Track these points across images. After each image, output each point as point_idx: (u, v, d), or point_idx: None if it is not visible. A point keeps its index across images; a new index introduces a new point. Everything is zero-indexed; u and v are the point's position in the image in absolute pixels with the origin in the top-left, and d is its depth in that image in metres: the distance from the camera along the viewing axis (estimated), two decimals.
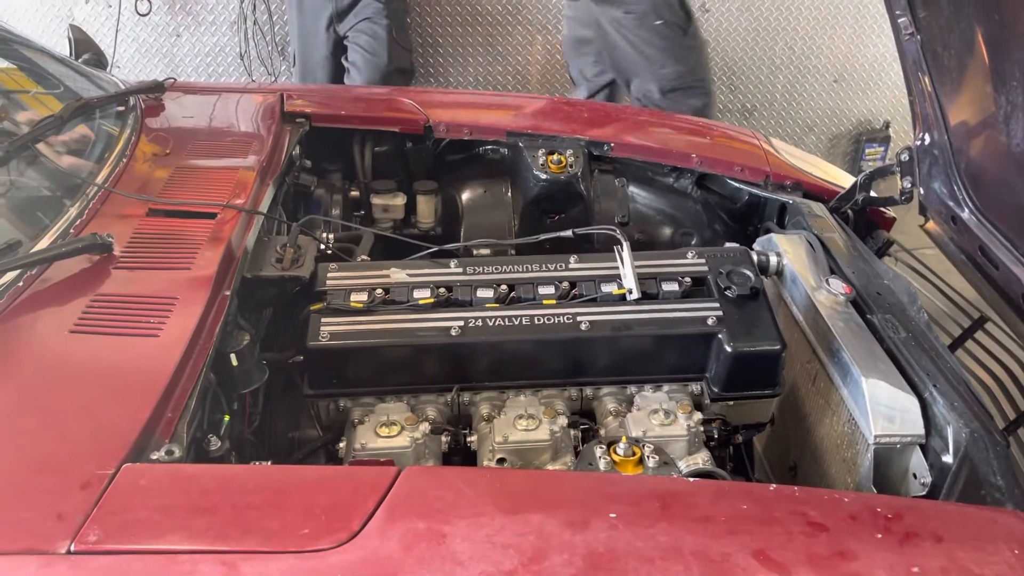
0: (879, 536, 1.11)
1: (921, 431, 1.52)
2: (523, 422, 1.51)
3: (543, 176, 2.24)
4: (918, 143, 2.17)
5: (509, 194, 2.36)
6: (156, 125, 2.03)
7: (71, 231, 1.51)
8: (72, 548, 0.98)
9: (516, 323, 1.58)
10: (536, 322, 1.58)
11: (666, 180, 2.40)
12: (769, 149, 2.43)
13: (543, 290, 1.64)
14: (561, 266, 1.70)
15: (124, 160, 1.79)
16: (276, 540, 1.02)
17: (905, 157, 2.20)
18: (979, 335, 2.08)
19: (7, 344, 1.27)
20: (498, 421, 1.53)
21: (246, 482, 1.12)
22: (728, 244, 1.87)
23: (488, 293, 1.63)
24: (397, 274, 1.67)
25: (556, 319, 1.59)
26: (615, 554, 1.03)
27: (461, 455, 1.56)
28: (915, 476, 1.54)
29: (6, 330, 1.29)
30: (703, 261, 1.71)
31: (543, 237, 1.82)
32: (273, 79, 4.19)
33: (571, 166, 2.24)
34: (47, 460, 1.10)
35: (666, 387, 1.65)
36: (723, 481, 1.39)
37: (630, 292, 1.62)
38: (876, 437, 1.52)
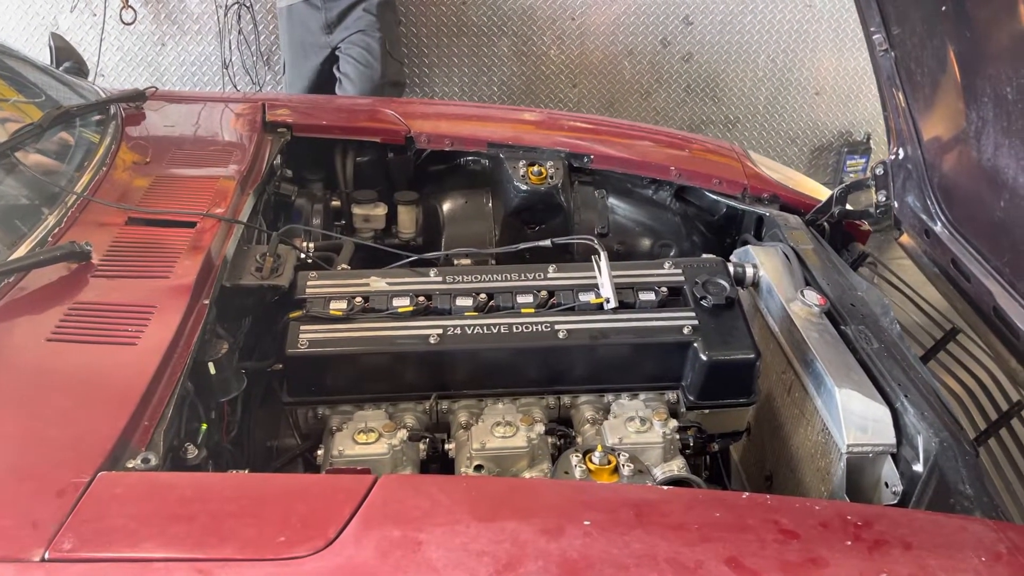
0: (849, 543, 1.13)
1: (892, 440, 1.54)
2: (501, 429, 1.52)
3: (523, 187, 2.25)
4: (892, 157, 2.21)
5: (490, 205, 2.37)
6: (137, 134, 2.04)
7: (49, 239, 1.51)
8: (47, 556, 0.98)
9: (495, 331, 1.59)
10: (514, 330, 1.60)
11: (645, 192, 2.43)
12: (747, 162, 2.46)
13: (522, 299, 1.66)
14: (540, 275, 1.71)
15: (104, 168, 1.79)
16: (252, 548, 1.02)
17: (880, 171, 2.24)
18: (951, 346, 2.11)
19: None
20: (476, 428, 1.53)
21: (223, 490, 1.13)
22: (705, 255, 1.89)
23: (467, 302, 1.64)
24: (376, 282, 1.68)
25: (534, 327, 1.60)
26: (589, 561, 1.04)
27: (439, 462, 1.57)
28: (887, 485, 1.57)
29: None
30: (679, 271, 1.73)
31: (523, 247, 1.83)
32: (258, 88, 4.19)
33: (551, 178, 2.26)
34: (22, 468, 1.10)
35: (643, 395, 1.67)
36: (697, 489, 1.41)
37: (607, 301, 1.64)
38: (849, 446, 1.54)
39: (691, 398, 1.63)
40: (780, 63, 4.37)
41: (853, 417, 1.56)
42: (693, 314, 1.63)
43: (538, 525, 1.09)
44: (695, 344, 1.59)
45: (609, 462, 1.36)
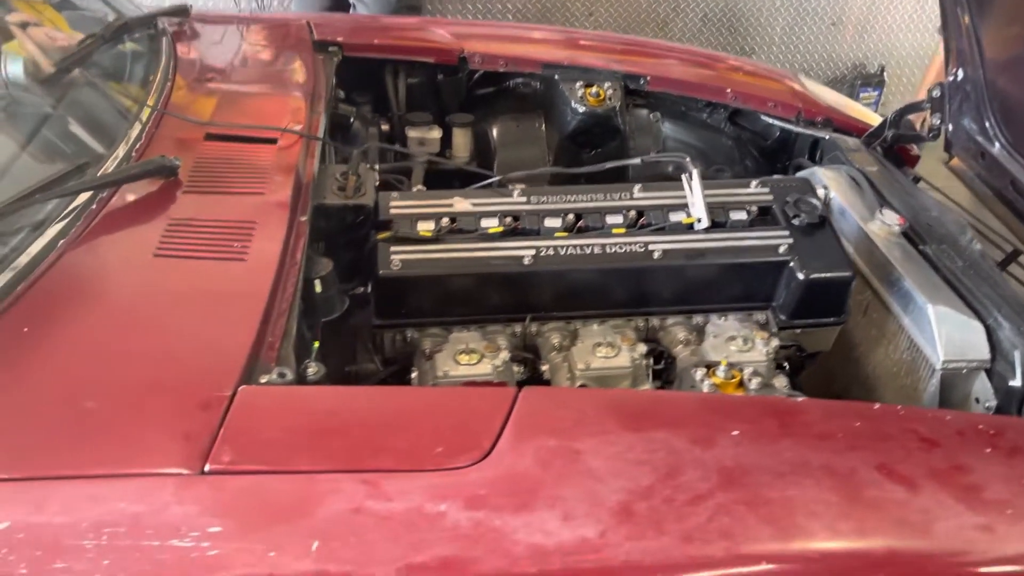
0: (988, 451, 1.14)
1: (987, 356, 1.55)
2: (603, 350, 1.50)
3: (581, 109, 2.20)
4: (950, 79, 2.18)
5: (543, 128, 2.32)
6: (188, 51, 1.95)
7: (133, 155, 1.45)
8: (207, 469, 0.95)
9: (588, 252, 1.57)
10: (608, 251, 1.57)
11: (699, 116, 2.39)
12: (798, 86, 2.43)
13: (611, 219, 1.62)
14: (626, 195, 1.68)
15: (168, 84, 1.71)
16: (411, 460, 1.00)
17: (936, 93, 2.21)
18: (1013, 268, 2.12)
19: (94, 267, 1.22)
20: (576, 349, 1.52)
21: (366, 404, 1.10)
22: (789, 175, 1.87)
23: (556, 222, 1.61)
24: (461, 203, 1.64)
25: (628, 248, 1.57)
26: (746, 469, 1.04)
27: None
28: (977, 400, 1.58)
29: (89, 252, 1.24)
30: (767, 190, 1.71)
31: (609, 165, 1.80)
32: (264, 11, 4.04)
33: (609, 99, 2.21)
34: (159, 383, 1.07)
35: (731, 316, 1.66)
36: (831, 400, 1.39)
37: (699, 221, 1.61)
38: (944, 363, 1.55)
39: (782, 318, 1.62)
40: None
41: (947, 333, 1.57)
42: (787, 233, 1.61)
43: (688, 435, 1.08)
44: (791, 263, 1.58)
45: (733, 376, 1.35)
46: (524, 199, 1.66)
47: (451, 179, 2.22)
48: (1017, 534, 1.03)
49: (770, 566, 0.96)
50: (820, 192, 1.88)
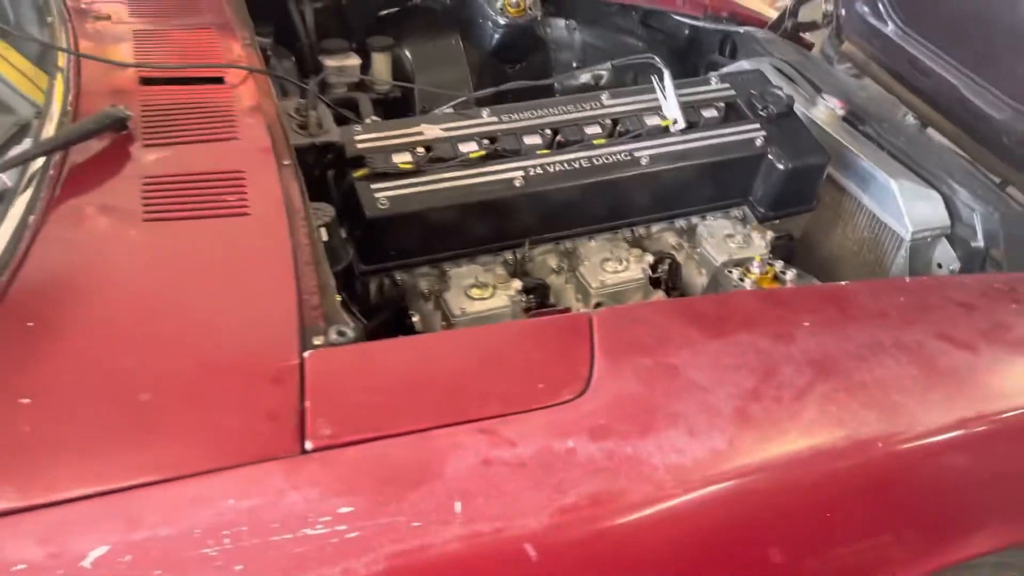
0: (1014, 306, 1.21)
1: (948, 222, 1.65)
2: (612, 264, 1.47)
3: (503, 21, 2.10)
4: None
5: (460, 46, 2.20)
6: None
7: (68, 109, 1.23)
8: (309, 447, 0.85)
9: (576, 167, 1.51)
10: (596, 163, 1.52)
11: (612, 20, 2.35)
12: None
13: (590, 130, 1.57)
14: (596, 104, 1.63)
15: (69, 26, 1.46)
16: (517, 401, 0.94)
17: None
18: None
19: (80, 242, 1.03)
20: (585, 268, 1.48)
21: (445, 351, 1.01)
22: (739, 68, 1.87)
23: (535, 139, 1.54)
24: (431, 129, 1.53)
25: (614, 158, 1.53)
26: (832, 358, 1.05)
27: None
28: (939, 265, 1.68)
29: (68, 227, 1.04)
30: (727, 85, 1.71)
31: (579, 73, 1.73)
32: None
33: (530, 8, 2.12)
34: (210, 361, 0.93)
35: (711, 216, 1.67)
36: (871, 279, 1.42)
37: (674, 123, 1.59)
38: (913, 234, 1.64)
39: (761, 211, 1.65)
40: None
41: (911, 205, 1.65)
42: (758, 126, 1.63)
43: (767, 333, 1.08)
44: (769, 155, 1.59)
45: (767, 272, 1.36)
46: (495, 119, 1.57)
47: (374, 108, 2.08)
48: None
49: (886, 448, 0.98)
50: None
